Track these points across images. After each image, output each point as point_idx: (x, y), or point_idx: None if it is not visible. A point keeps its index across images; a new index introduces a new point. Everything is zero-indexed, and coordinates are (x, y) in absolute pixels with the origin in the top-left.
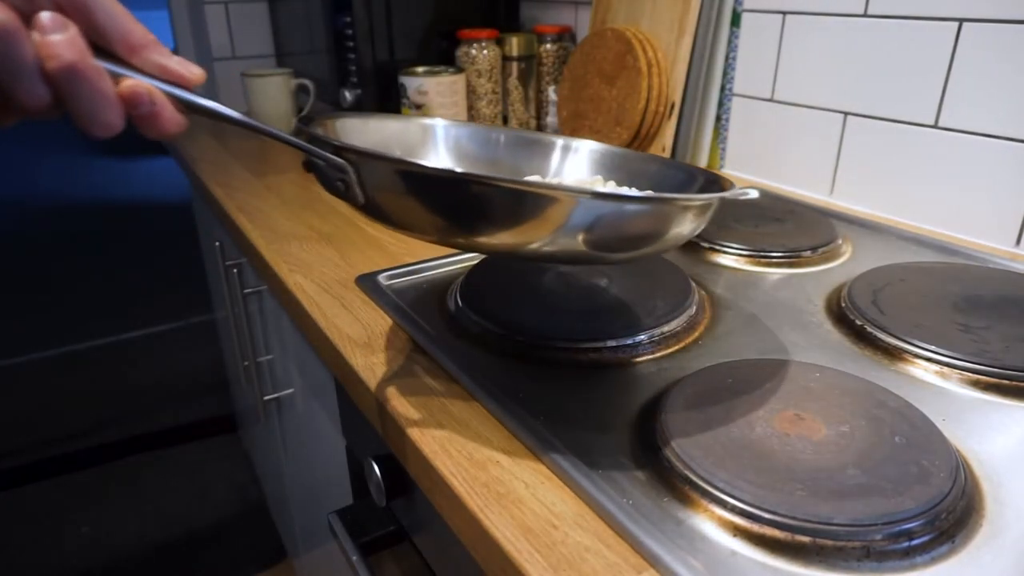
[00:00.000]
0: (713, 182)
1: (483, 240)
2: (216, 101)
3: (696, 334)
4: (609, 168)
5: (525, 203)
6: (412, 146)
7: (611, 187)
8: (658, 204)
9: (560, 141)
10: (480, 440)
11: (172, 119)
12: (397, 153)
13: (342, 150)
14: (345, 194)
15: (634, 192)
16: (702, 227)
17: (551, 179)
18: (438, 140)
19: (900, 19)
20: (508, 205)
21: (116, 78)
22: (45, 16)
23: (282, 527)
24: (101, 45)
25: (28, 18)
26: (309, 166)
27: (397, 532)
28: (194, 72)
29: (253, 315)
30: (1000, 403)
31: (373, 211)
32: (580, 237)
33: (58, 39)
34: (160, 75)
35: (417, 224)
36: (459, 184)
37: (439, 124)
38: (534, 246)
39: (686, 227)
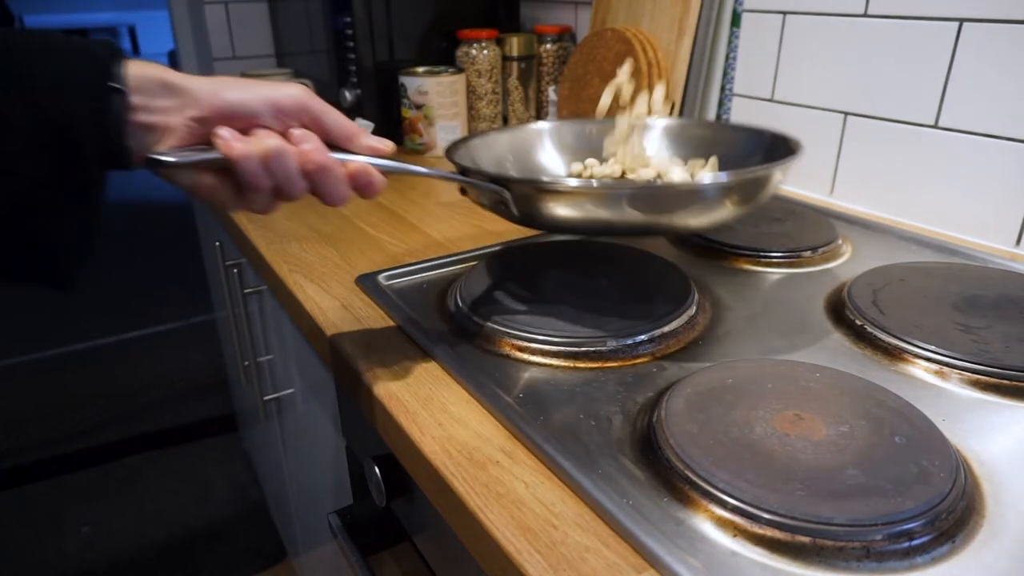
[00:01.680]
0: (780, 140)
1: (600, 220)
2: None
3: (696, 334)
4: (684, 140)
5: (616, 194)
6: (527, 149)
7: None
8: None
9: (639, 122)
10: (480, 440)
11: (380, 183)
12: (509, 166)
13: (497, 180)
14: (505, 211)
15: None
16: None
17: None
18: (546, 141)
19: (900, 19)
20: (598, 200)
21: (343, 163)
22: (299, 133)
23: (282, 527)
24: (328, 140)
25: (285, 131)
26: (465, 191)
27: (397, 532)
28: (388, 145)
29: (253, 315)
30: (1000, 403)
31: (526, 219)
32: (637, 213)
33: (310, 148)
34: (369, 153)
35: (555, 221)
36: (567, 191)
37: (545, 128)
38: (615, 217)
39: (761, 192)
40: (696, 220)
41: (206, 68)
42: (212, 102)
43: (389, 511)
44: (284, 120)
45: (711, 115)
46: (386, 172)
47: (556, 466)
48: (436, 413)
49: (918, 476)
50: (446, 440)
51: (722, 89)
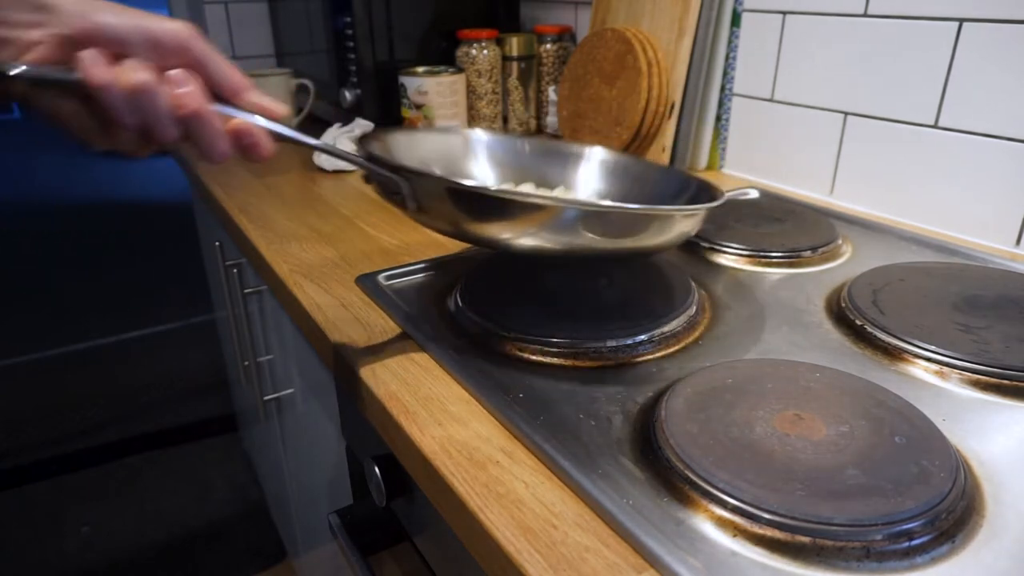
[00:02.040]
0: (704, 191)
1: (505, 238)
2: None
3: (696, 334)
4: (615, 173)
5: (527, 209)
6: (455, 156)
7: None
8: (622, 214)
9: (575, 149)
10: (480, 440)
11: (267, 147)
12: (437, 170)
13: (399, 170)
14: (401, 203)
15: (605, 203)
16: (687, 232)
17: (565, 187)
18: (476, 151)
19: (900, 19)
20: (516, 211)
21: (225, 117)
22: (175, 73)
23: (282, 527)
24: (213, 90)
25: (162, 70)
26: (369, 178)
27: (397, 532)
28: (280, 108)
29: (253, 315)
30: (1000, 403)
31: (422, 217)
32: (574, 235)
33: (185, 91)
34: (257, 111)
35: (454, 226)
36: (484, 197)
37: (476, 137)
38: (534, 242)
39: (668, 233)
40: (607, 244)
41: None
42: (79, 23)
43: (389, 511)
44: (162, 57)
45: (711, 115)
46: (280, 140)
47: (556, 466)
48: (436, 413)
49: (918, 476)
50: (446, 440)
51: (722, 89)
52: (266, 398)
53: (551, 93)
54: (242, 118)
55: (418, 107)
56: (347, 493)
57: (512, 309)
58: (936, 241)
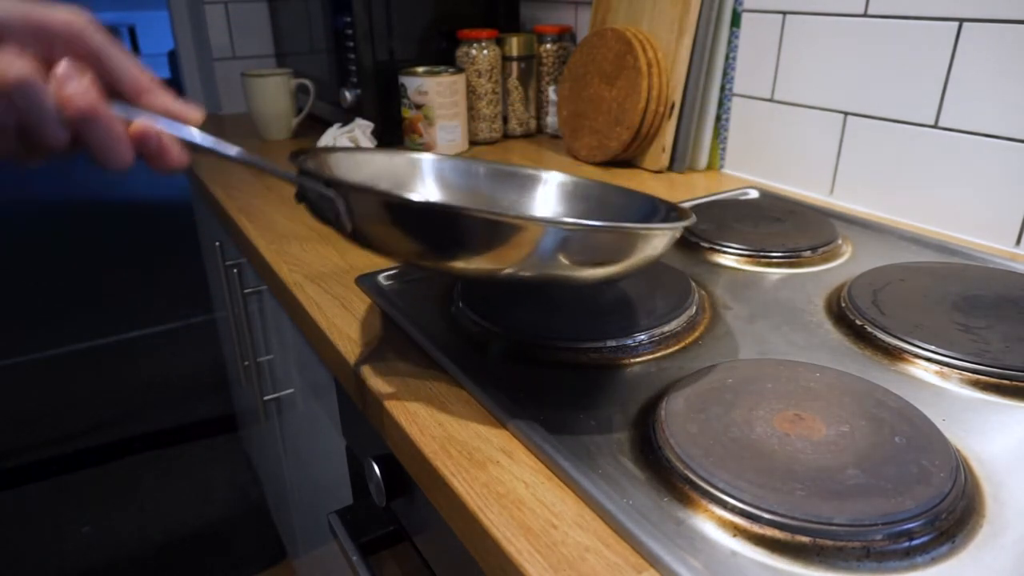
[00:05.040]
0: (672, 210)
1: (460, 265)
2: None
3: (696, 334)
4: (576, 197)
5: (499, 231)
6: (401, 178)
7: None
8: (611, 232)
9: (532, 173)
10: (480, 440)
11: (177, 155)
12: (383, 186)
13: (332, 183)
14: (335, 223)
15: (593, 222)
16: (660, 253)
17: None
18: (424, 173)
19: (900, 19)
20: (483, 233)
21: (127, 119)
22: (62, 67)
23: (282, 527)
24: (112, 88)
25: (48, 64)
26: (301, 197)
27: (397, 532)
28: (194, 112)
29: (253, 315)
30: (1000, 403)
31: (359, 238)
32: (556, 260)
33: (73, 88)
34: (165, 114)
35: (399, 250)
36: (438, 214)
37: (424, 158)
38: (507, 271)
39: (644, 252)
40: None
41: (206, 68)
42: None
43: (389, 511)
44: (51, 49)
45: (711, 115)
46: (194, 150)
47: (556, 466)
48: (436, 413)
49: (918, 476)
50: (446, 440)
51: (722, 89)
52: (266, 398)
53: (551, 93)
54: (146, 120)
55: (418, 107)
56: (347, 493)
57: (512, 309)
58: (936, 241)
